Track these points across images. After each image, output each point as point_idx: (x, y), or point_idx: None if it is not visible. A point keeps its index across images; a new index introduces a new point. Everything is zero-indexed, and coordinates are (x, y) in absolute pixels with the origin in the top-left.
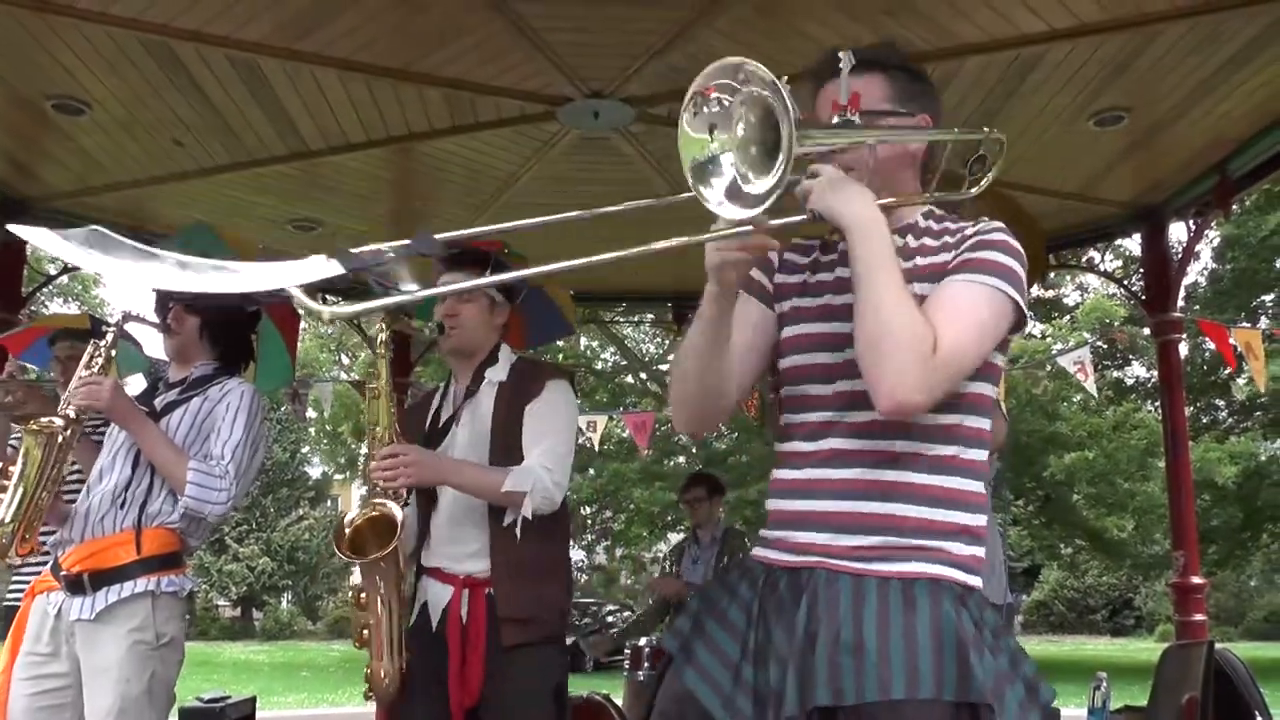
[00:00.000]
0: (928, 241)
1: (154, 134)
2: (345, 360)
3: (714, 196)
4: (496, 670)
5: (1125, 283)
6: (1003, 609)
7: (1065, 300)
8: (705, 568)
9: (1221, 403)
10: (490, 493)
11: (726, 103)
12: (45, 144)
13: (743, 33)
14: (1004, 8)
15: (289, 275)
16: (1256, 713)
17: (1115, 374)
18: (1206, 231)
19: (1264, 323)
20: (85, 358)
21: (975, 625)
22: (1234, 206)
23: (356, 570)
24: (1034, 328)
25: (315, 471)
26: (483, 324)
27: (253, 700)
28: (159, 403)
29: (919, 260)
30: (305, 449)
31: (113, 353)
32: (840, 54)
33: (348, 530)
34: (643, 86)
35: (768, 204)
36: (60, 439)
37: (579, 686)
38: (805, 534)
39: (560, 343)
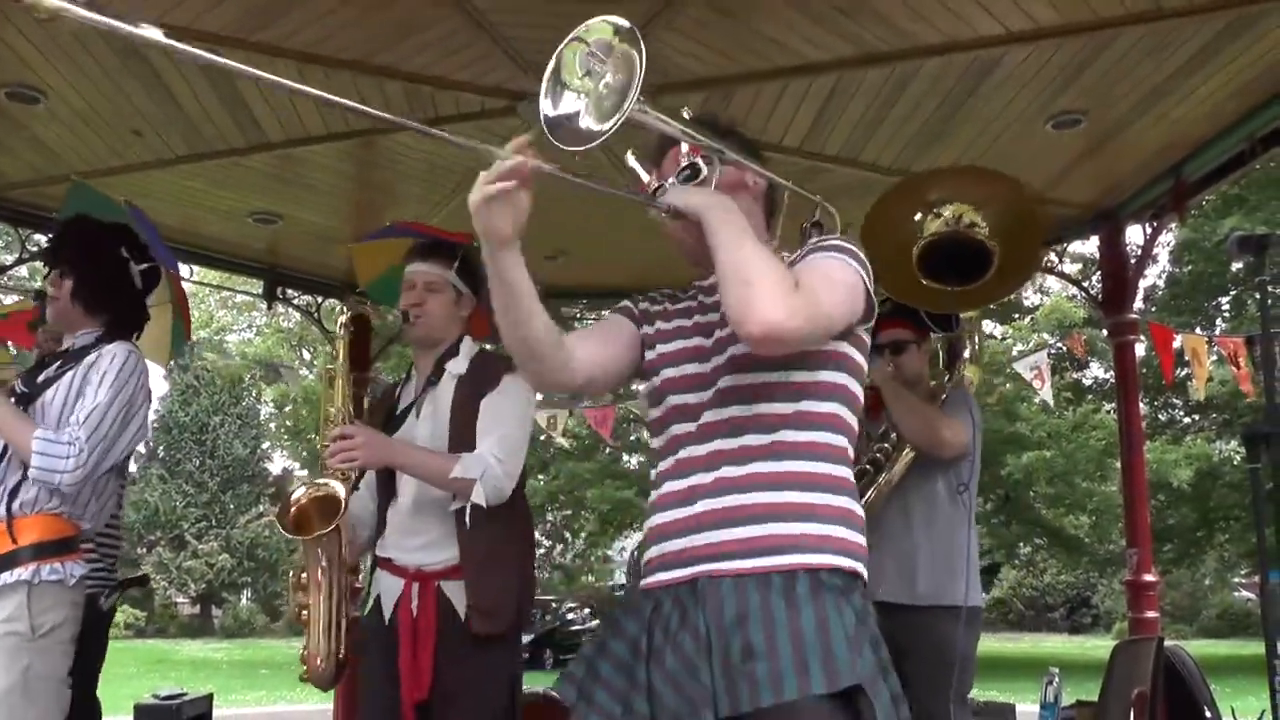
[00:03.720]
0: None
1: (112, 124)
2: (306, 355)
3: (550, 110)
4: (450, 661)
5: (1084, 284)
6: (963, 611)
7: (1025, 302)
8: None
9: (1179, 402)
10: (440, 478)
11: (603, 57)
12: None
13: (700, 31)
14: (961, 10)
15: None
16: (1204, 707)
17: (1074, 375)
18: (1163, 235)
19: (1220, 325)
20: None
21: (857, 617)
22: (1190, 210)
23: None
24: (994, 329)
25: (276, 467)
26: (447, 315)
27: (209, 698)
28: (41, 379)
29: None
30: (266, 445)
31: None
32: (681, 110)
33: (293, 509)
34: None
35: (593, 144)
36: None
37: (538, 683)
38: (685, 539)
39: None
